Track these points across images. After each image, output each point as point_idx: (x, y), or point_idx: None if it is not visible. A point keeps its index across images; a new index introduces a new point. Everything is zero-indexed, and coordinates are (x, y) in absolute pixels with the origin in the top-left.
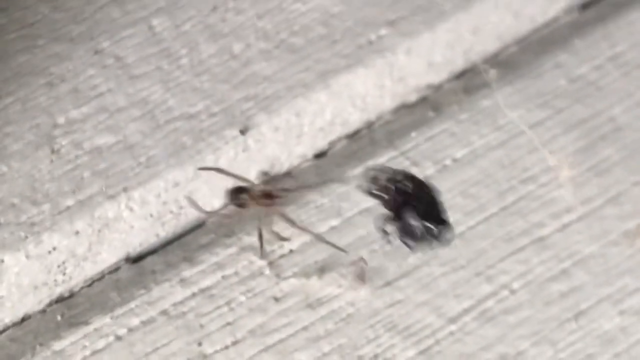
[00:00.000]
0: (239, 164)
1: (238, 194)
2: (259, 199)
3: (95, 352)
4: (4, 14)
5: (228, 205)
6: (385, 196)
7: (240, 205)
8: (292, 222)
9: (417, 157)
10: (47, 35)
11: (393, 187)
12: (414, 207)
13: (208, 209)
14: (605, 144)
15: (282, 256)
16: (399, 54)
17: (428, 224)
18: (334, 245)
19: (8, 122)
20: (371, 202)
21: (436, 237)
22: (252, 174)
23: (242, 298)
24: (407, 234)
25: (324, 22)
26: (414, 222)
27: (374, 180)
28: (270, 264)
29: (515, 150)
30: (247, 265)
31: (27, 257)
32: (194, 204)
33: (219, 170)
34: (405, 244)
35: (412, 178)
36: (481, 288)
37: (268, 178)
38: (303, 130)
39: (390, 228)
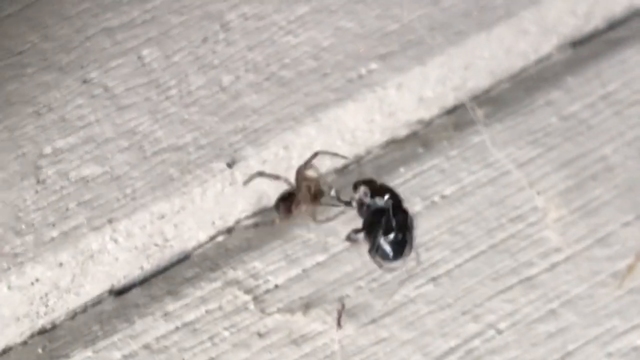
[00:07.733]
0: (226, 197)
1: (287, 202)
2: (306, 200)
3: None
4: None
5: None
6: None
7: (290, 211)
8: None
9: (406, 192)
10: (36, 64)
11: (368, 201)
12: (384, 225)
13: (194, 243)
14: (596, 184)
15: (267, 291)
16: (389, 88)
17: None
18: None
19: None
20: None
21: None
22: (238, 208)
23: (226, 333)
24: (374, 249)
25: (314, 56)
26: (380, 239)
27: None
28: (255, 299)
29: (505, 188)
30: (231, 300)
31: (9, 288)
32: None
33: (260, 174)
34: (373, 258)
35: (392, 196)
36: (467, 327)
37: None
38: (291, 164)
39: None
